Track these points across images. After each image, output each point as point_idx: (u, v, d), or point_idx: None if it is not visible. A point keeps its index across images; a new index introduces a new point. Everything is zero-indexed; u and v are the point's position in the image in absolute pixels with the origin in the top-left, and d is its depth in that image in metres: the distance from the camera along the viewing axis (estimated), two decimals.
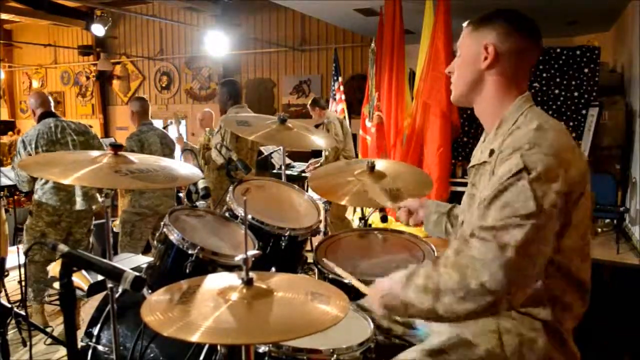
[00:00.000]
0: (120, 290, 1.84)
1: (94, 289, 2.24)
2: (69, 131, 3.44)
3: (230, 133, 3.80)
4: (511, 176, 1.13)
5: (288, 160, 6.34)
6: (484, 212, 1.15)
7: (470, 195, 1.41)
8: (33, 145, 3.31)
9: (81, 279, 2.27)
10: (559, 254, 1.21)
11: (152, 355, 1.73)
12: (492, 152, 1.28)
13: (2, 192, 4.24)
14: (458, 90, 1.39)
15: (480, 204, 1.18)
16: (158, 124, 4.24)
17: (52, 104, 3.61)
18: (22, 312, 2.43)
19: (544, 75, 6.31)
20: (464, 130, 6.49)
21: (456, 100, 1.42)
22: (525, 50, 1.32)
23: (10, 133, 11.31)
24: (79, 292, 2.19)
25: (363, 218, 2.56)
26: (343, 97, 7.93)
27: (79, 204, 3.45)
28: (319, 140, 2.58)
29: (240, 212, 1.95)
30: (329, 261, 1.69)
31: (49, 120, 3.43)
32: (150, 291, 1.68)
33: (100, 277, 2.17)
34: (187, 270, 1.62)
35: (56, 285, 1.24)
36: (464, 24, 1.40)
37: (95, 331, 1.86)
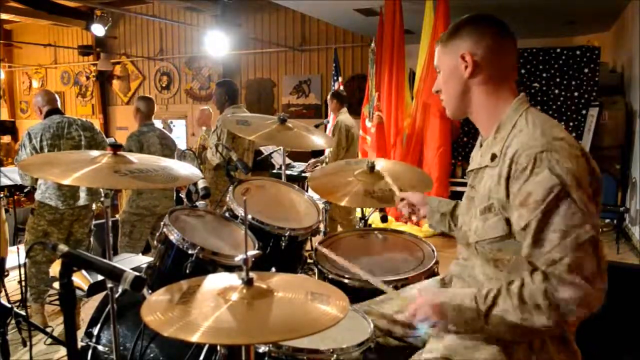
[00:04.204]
0: (120, 290, 1.84)
1: (94, 289, 2.25)
2: (76, 126, 3.48)
3: (227, 133, 3.79)
4: (553, 198, 1.13)
5: (288, 160, 6.33)
6: (541, 239, 1.14)
7: (470, 198, 1.41)
8: (39, 139, 3.34)
9: (81, 279, 2.27)
10: None
11: (152, 355, 1.73)
12: (494, 156, 1.28)
13: (2, 192, 4.25)
14: (450, 106, 1.41)
15: (527, 227, 1.16)
16: (158, 124, 4.24)
17: (59, 102, 3.63)
18: (22, 312, 2.43)
19: (544, 75, 6.32)
20: (464, 130, 6.50)
21: (452, 115, 1.43)
22: (502, 48, 1.33)
23: None
24: (79, 292, 2.20)
25: (363, 218, 2.56)
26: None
27: (83, 199, 3.46)
28: (319, 140, 2.58)
29: (240, 212, 1.95)
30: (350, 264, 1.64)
31: (55, 116, 3.47)
32: (150, 291, 1.68)
33: (100, 277, 2.18)
34: (187, 270, 1.62)
35: (56, 285, 1.24)
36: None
37: (95, 331, 1.87)
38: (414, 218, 1.78)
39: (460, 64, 1.33)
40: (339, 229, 4.72)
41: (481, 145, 1.41)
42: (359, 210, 2.99)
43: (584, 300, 1.10)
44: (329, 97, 5.43)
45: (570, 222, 1.12)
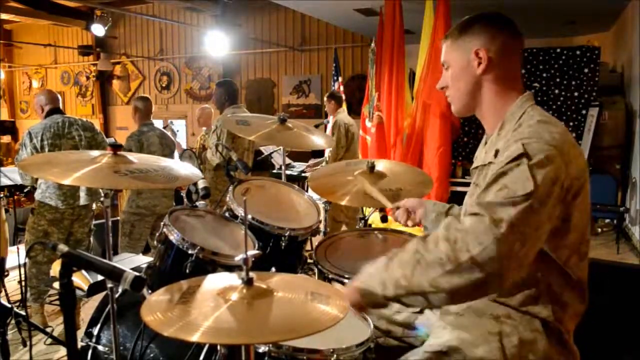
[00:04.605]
0: (120, 290, 1.84)
1: (94, 289, 2.25)
2: (76, 126, 3.49)
3: (226, 133, 3.79)
4: (511, 161, 1.14)
5: (288, 160, 6.33)
6: (481, 194, 1.16)
7: (473, 195, 1.41)
8: (39, 138, 3.34)
9: (81, 279, 2.27)
10: (558, 251, 1.21)
11: (152, 355, 1.73)
12: (497, 152, 1.28)
13: (2, 192, 4.25)
14: (458, 103, 1.40)
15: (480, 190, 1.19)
16: (158, 124, 4.25)
17: (61, 102, 3.64)
18: (22, 312, 2.43)
19: (544, 75, 6.31)
20: (464, 130, 6.49)
21: (458, 112, 1.42)
22: (513, 48, 1.34)
23: None
24: (79, 292, 2.19)
25: (363, 218, 2.56)
26: (343, 97, 7.93)
27: (83, 199, 3.46)
28: (318, 140, 2.58)
29: (240, 212, 1.95)
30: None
31: (56, 116, 3.48)
32: (150, 291, 1.68)
33: (100, 277, 2.17)
34: (187, 270, 1.62)
35: (56, 285, 1.24)
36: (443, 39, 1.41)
37: (95, 331, 1.86)
38: (409, 223, 1.78)
39: (473, 59, 1.32)
40: (344, 229, 4.72)
41: (486, 143, 1.41)
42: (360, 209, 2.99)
43: (478, 235, 1.08)
44: (325, 98, 5.45)
45: (515, 183, 1.12)
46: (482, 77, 1.33)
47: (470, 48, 1.33)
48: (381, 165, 2.19)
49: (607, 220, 6.00)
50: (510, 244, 1.08)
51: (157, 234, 1.77)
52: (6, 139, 12.09)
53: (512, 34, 1.34)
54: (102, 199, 1.81)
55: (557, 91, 6.28)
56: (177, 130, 5.80)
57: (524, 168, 1.12)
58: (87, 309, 3.49)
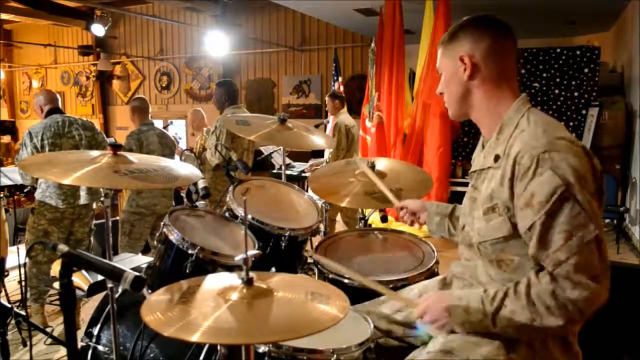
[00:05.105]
0: (120, 290, 1.84)
1: (94, 289, 2.24)
2: (76, 126, 3.49)
3: (226, 133, 3.79)
4: (557, 200, 1.14)
5: (288, 160, 6.33)
6: (546, 240, 1.16)
7: (472, 198, 1.41)
8: (39, 137, 3.34)
9: (81, 279, 2.27)
10: None
11: (152, 355, 1.73)
12: (497, 157, 1.28)
13: (2, 192, 4.25)
14: (452, 108, 1.42)
15: (531, 228, 1.18)
16: (158, 124, 4.26)
17: (60, 101, 3.64)
18: (22, 312, 2.42)
19: (544, 75, 6.32)
20: (464, 130, 6.50)
21: (454, 117, 1.44)
22: (502, 49, 1.33)
23: None
24: (79, 292, 2.19)
25: (363, 218, 2.56)
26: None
27: (83, 198, 3.47)
28: (319, 140, 2.58)
29: (240, 212, 1.95)
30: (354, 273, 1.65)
31: (56, 115, 3.48)
32: (150, 291, 1.68)
33: (100, 277, 2.17)
34: (187, 270, 1.62)
35: (56, 285, 1.24)
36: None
37: (95, 331, 1.87)
38: (416, 225, 1.80)
39: (459, 66, 1.34)
40: (339, 228, 4.72)
41: (483, 147, 1.41)
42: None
43: (591, 299, 1.11)
44: (328, 97, 5.42)
45: (575, 223, 1.13)
46: (470, 82, 1.34)
47: (456, 54, 1.34)
48: (381, 164, 2.19)
49: (607, 220, 5.99)
50: (605, 279, 1.15)
51: (157, 234, 1.77)
52: (6, 139, 12.08)
53: (500, 36, 1.33)
54: (102, 198, 1.81)
55: (557, 91, 6.29)
56: (180, 138, 5.80)
57: (576, 208, 1.13)
58: (87, 309, 3.49)
